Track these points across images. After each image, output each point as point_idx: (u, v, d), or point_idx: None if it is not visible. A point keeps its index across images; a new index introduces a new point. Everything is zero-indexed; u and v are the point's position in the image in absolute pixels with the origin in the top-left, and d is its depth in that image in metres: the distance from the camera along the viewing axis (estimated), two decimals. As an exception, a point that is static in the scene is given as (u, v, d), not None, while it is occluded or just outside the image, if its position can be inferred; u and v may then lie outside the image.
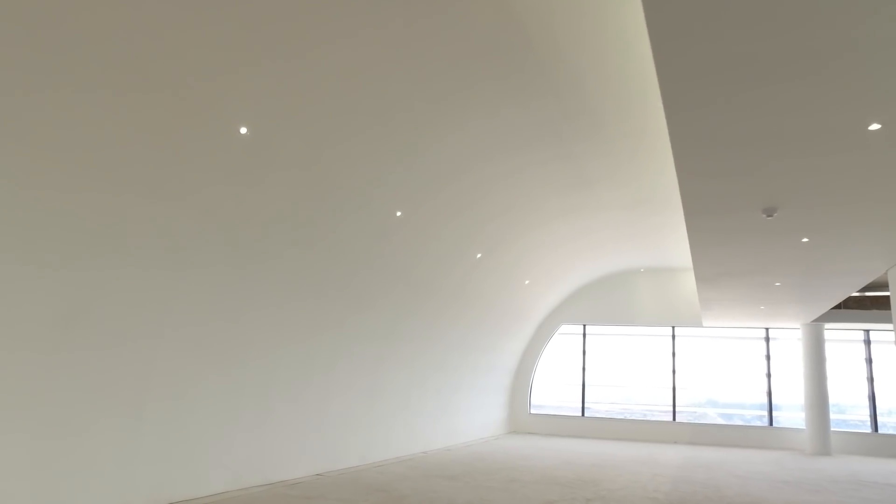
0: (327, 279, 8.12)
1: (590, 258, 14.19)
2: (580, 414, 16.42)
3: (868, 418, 14.99)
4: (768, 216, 5.49)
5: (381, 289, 9.29)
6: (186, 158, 5.45)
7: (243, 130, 5.65)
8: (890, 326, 14.67)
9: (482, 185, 8.88)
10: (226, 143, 5.68)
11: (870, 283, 10.54)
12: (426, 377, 11.58)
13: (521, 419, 16.51)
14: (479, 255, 10.97)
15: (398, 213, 8.42)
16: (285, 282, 7.41)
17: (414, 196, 8.33)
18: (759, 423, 15.53)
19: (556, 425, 16.25)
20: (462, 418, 13.43)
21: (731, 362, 15.99)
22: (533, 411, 16.69)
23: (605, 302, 16.47)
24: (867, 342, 15.31)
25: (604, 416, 16.44)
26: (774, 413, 15.47)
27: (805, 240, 6.41)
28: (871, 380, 15.09)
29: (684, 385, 16.04)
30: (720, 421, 15.98)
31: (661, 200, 10.03)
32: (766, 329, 15.77)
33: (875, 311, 14.16)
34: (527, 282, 13.52)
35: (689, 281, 15.93)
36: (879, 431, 14.73)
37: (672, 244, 13.05)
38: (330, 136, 6.49)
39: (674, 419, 15.79)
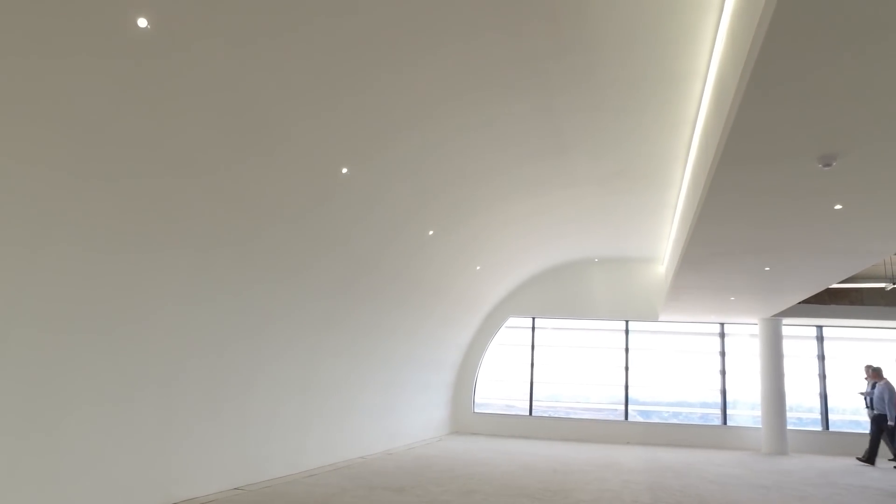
0: (250, 248, 6.59)
1: (545, 243, 13.08)
2: (527, 413, 15.32)
3: (819, 416, 14.57)
4: (825, 165, 4.43)
5: (316, 263, 7.80)
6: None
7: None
8: (847, 322, 14.28)
9: (445, 140, 7.54)
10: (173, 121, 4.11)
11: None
12: (367, 371, 10.14)
13: (464, 418, 15.26)
14: (431, 232, 9.62)
15: (344, 171, 6.97)
16: (193, 253, 5.84)
17: (365, 148, 6.91)
18: (712, 423, 14.85)
19: (502, 425, 15.10)
20: (404, 418, 12.04)
21: (685, 359, 15.26)
22: (477, 410, 15.48)
23: (555, 294, 15.44)
24: (819, 338, 14.90)
25: (553, 415, 15.41)
26: (714, 411, 14.83)
27: (838, 207, 5.42)
28: (822, 377, 14.68)
29: (639, 382, 15.20)
30: (674, 420, 15.22)
31: (639, 175, 8.97)
32: (722, 325, 15.14)
33: (833, 307, 13.71)
34: (478, 267, 12.27)
35: (645, 273, 15.12)
36: (830, 430, 14.33)
37: (636, 230, 12.10)
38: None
39: (626, 418, 14.91)
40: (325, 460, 9.00)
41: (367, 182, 7.45)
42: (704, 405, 15.17)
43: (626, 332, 15.32)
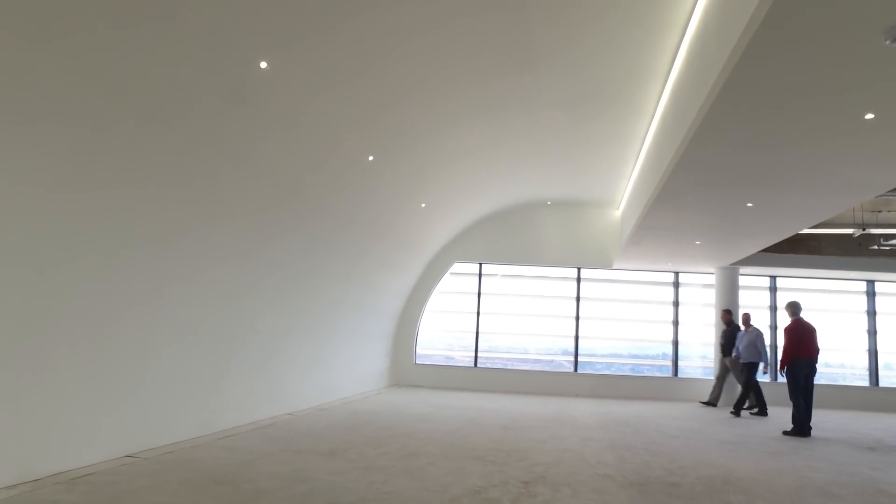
0: (137, 157, 5.18)
1: (496, 182, 11.95)
2: (472, 364, 14.42)
3: (769, 368, 14.23)
4: (893, 41, 3.40)
5: (227, 180, 6.43)
6: None
7: None
8: (801, 273, 13.84)
9: (389, 43, 6.20)
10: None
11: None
12: (295, 317, 8.89)
13: (404, 370, 14.25)
14: (371, 158, 8.31)
15: (263, 65, 5.56)
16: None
17: (288, 40, 5.52)
18: (663, 374, 14.33)
19: (445, 377, 14.17)
20: (338, 370, 10.90)
21: (637, 308, 14.58)
22: (419, 361, 14.48)
23: (505, 238, 14.41)
24: (773, 289, 14.47)
25: (499, 367, 14.57)
26: (665, 362, 14.32)
27: (869, 116, 4.45)
28: (774, 328, 14.30)
29: (589, 333, 14.46)
30: (624, 372, 14.61)
31: (611, 98, 7.86)
32: (677, 274, 14.48)
33: (791, 256, 13.19)
34: (423, 205, 11.05)
35: (600, 218, 14.25)
36: (779, 381, 14.00)
37: (596, 169, 11.08)
38: None
39: (575, 370, 14.21)
40: (246, 419, 7.78)
41: (292, 84, 6.07)
42: (655, 356, 14.61)
43: (578, 280, 14.50)
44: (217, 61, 5.17)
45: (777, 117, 4.74)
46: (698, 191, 6.94)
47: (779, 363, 9.62)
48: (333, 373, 10.64)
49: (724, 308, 12.77)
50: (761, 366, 11.39)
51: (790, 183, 6.37)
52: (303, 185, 7.61)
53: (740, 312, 13.30)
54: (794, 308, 9.66)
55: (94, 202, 4.86)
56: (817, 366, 9.40)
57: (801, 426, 9.15)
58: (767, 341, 14.22)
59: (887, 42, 3.41)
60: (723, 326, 12.59)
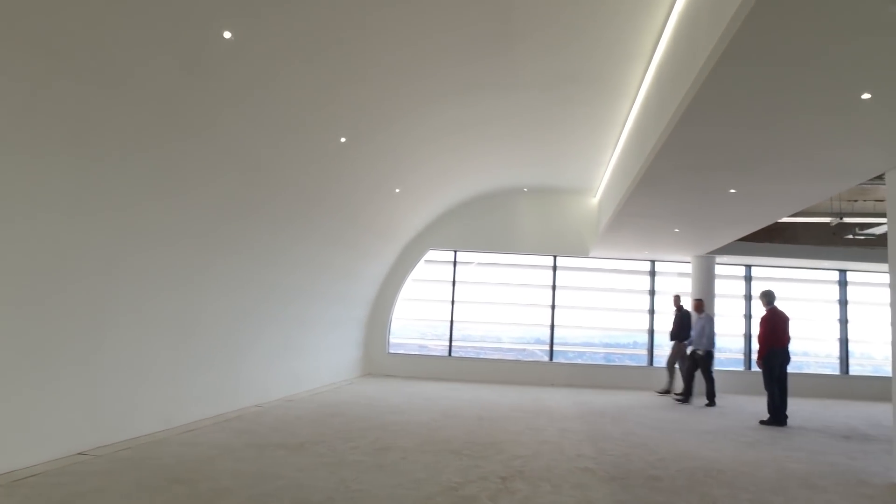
0: (91, 133, 4.79)
1: (472, 167, 11.66)
2: (447, 354, 14.18)
3: (742, 356, 14.25)
4: (900, 7, 3.19)
5: (196, 158, 6.06)
6: None
7: None
8: (778, 262, 13.83)
9: (361, 13, 5.85)
10: None
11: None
12: (264, 306, 8.53)
13: (377, 360, 13.95)
14: (343, 139, 7.96)
15: (227, 35, 5.19)
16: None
17: (256, 6, 5.14)
18: (639, 364, 14.24)
19: (419, 366, 13.91)
20: (309, 359, 10.56)
21: (613, 297, 14.45)
22: (392, 350, 14.19)
23: (480, 225, 14.15)
24: (748, 278, 14.46)
25: (473, 356, 14.35)
26: (641, 351, 14.25)
27: (866, 96, 4.26)
28: (748, 317, 14.29)
29: (565, 322, 14.29)
30: (600, 361, 14.49)
31: (592, 78, 7.60)
32: (653, 262, 14.38)
33: (767, 245, 13.16)
34: (397, 190, 10.73)
35: (577, 206, 14.06)
36: (752, 370, 14.02)
37: (574, 154, 10.85)
38: None
39: (550, 359, 14.05)
40: (211, 412, 7.43)
41: (258, 56, 5.70)
42: (627, 346, 14.51)
43: (554, 268, 14.31)
44: (174, 26, 4.78)
45: (771, 95, 4.51)
46: (682, 176, 6.73)
47: (756, 353, 9.49)
48: (303, 362, 10.30)
49: (679, 294, 12.64)
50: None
51: (777, 167, 6.19)
52: (271, 165, 7.23)
53: (716, 302, 13.27)
54: (769, 297, 9.58)
55: (34, 168, 4.46)
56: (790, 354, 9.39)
57: (777, 415, 9.09)
58: (743, 330, 14.28)
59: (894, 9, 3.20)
60: (674, 311, 12.40)
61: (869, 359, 14.82)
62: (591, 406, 10.31)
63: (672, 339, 12.32)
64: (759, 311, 14.20)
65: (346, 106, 7.33)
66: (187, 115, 5.58)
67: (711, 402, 11.04)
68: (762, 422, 9.13)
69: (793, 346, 9.51)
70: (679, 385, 12.15)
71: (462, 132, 9.53)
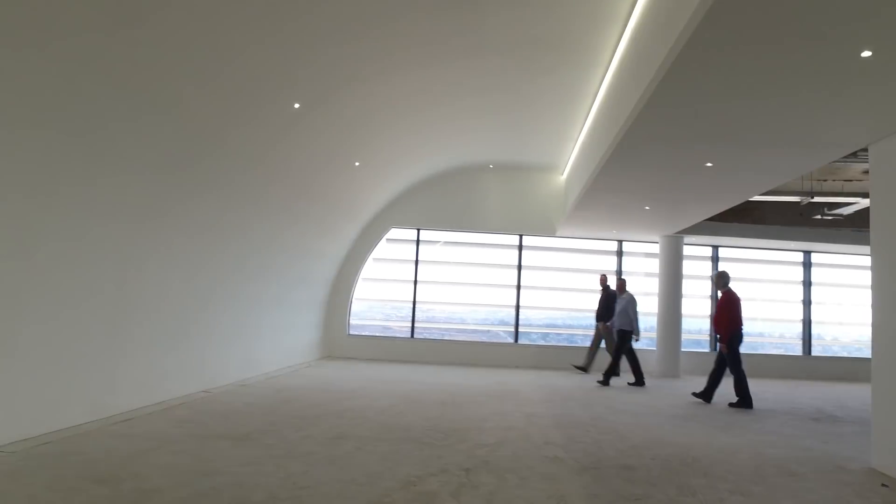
0: (7, 95, 4.16)
1: (436, 141, 11.15)
2: (409, 335, 13.73)
3: (708, 337, 14.14)
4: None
5: (134, 125, 5.43)
6: None
7: None
8: (745, 243, 13.69)
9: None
10: None
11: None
12: (214, 283, 7.94)
13: (337, 342, 13.43)
14: (297, 105, 7.37)
15: (155, -25, 4.57)
16: None
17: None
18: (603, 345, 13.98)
19: (380, 348, 13.45)
20: (264, 342, 9.99)
21: (579, 278, 14.16)
22: (352, 332, 13.68)
23: (444, 203, 13.67)
24: (715, 259, 14.31)
25: (436, 337, 13.94)
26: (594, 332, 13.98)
27: (866, 54, 3.89)
28: (715, 298, 14.14)
29: (531, 303, 13.95)
30: (565, 343, 14.21)
31: (562, 44, 7.13)
32: (620, 242, 14.11)
33: (735, 225, 12.99)
34: (357, 163, 10.17)
35: (544, 183, 13.68)
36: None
37: (542, 127, 10.41)
38: None
39: (515, 340, 13.72)
40: (151, 399, 6.85)
41: (201, 11, 5.08)
42: (589, 326, 14.20)
43: (520, 247, 13.94)
44: (94, -36, 4.16)
45: (760, 56, 4.12)
46: (657, 147, 6.34)
47: (721, 336, 9.21)
48: (258, 345, 9.74)
49: (606, 274, 12.38)
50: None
51: (758, 138, 5.84)
52: (219, 132, 6.62)
53: (683, 283, 13.08)
54: (725, 279, 9.36)
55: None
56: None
57: (745, 397, 8.91)
58: (707, 311, 14.15)
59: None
60: (600, 291, 12.12)
61: (834, 340, 14.88)
62: (558, 389, 10.00)
63: (598, 320, 12.03)
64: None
65: (302, 70, 6.74)
66: (121, 76, 4.95)
67: (639, 381, 10.78)
68: (731, 404, 8.93)
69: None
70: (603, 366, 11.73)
71: (425, 102, 9.00)
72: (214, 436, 5.55)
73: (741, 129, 5.66)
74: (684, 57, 4.26)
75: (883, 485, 5.05)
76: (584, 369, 12.23)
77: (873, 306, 5.74)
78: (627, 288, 11.29)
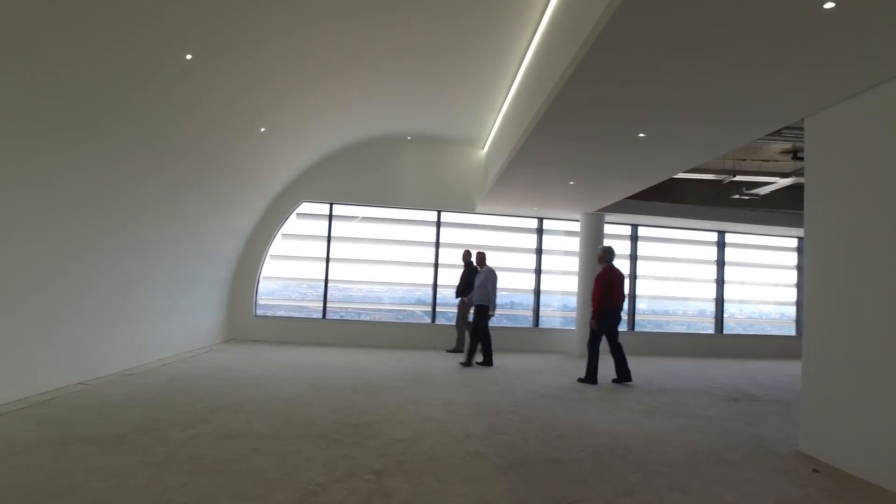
0: None
1: (350, 108, 10.34)
2: (321, 316, 12.94)
3: (628, 316, 14.11)
4: None
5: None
6: None
7: None
8: (660, 222, 13.66)
9: None
10: None
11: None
12: (89, 262, 6.90)
13: (242, 323, 12.46)
14: (189, 56, 6.41)
15: None
16: None
17: None
18: (523, 325, 13.70)
19: (289, 330, 12.59)
20: (157, 325, 8.97)
21: (500, 256, 13.74)
22: (259, 313, 12.74)
23: (359, 176, 12.88)
24: (634, 237, 14.25)
25: (349, 318, 13.21)
26: (526, 312, 13.75)
27: (829, 5, 3.48)
28: (633, 277, 14.12)
29: (450, 281, 13.42)
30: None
31: (487, 2, 6.52)
32: (541, 220, 13.78)
33: (654, 203, 12.90)
34: (262, 129, 9.24)
35: (464, 157, 13.12)
36: (636, 330, 13.94)
37: (463, 97, 9.80)
38: None
39: (433, 321, 13.19)
40: (8, 396, 5.81)
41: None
42: (505, 305, 13.88)
43: (438, 223, 13.36)
44: None
45: (709, 4, 3.64)
46: (589, 113, 5.85)
47: (593, 312, 8.98)
48: (147, 329, 8.71)
49: (470, 250, 11.85)
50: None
51: (699, 104, 5.44)
52: (91, 80, 5.59)
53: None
54: (609, 254, 9.17)
55: None
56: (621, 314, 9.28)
57: (592, 374, 8.85)
58: (627, 290, 14.08)
59: None
60: (462, 267, 11.66)
61: (737, 317, 15.22)
62: (476, 372, 9.54)
63: (457, 296, 11.62)
64: (643, 270, 14.24)
65: (191, 12, 5.80)
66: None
67: (488, 360, 10.25)
68: (580, 379, 8.90)
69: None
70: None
71: (339, 65, 8.19)
72: (79, 440, 4.67)
73: (681, 96, 5.24)
74: (625, 6, 3.72)
75: (814, 470, 4.85)
76: (459, 351, 11.75)
77: (806, 284, 5.51)
78: (487, 262, 10.68)
